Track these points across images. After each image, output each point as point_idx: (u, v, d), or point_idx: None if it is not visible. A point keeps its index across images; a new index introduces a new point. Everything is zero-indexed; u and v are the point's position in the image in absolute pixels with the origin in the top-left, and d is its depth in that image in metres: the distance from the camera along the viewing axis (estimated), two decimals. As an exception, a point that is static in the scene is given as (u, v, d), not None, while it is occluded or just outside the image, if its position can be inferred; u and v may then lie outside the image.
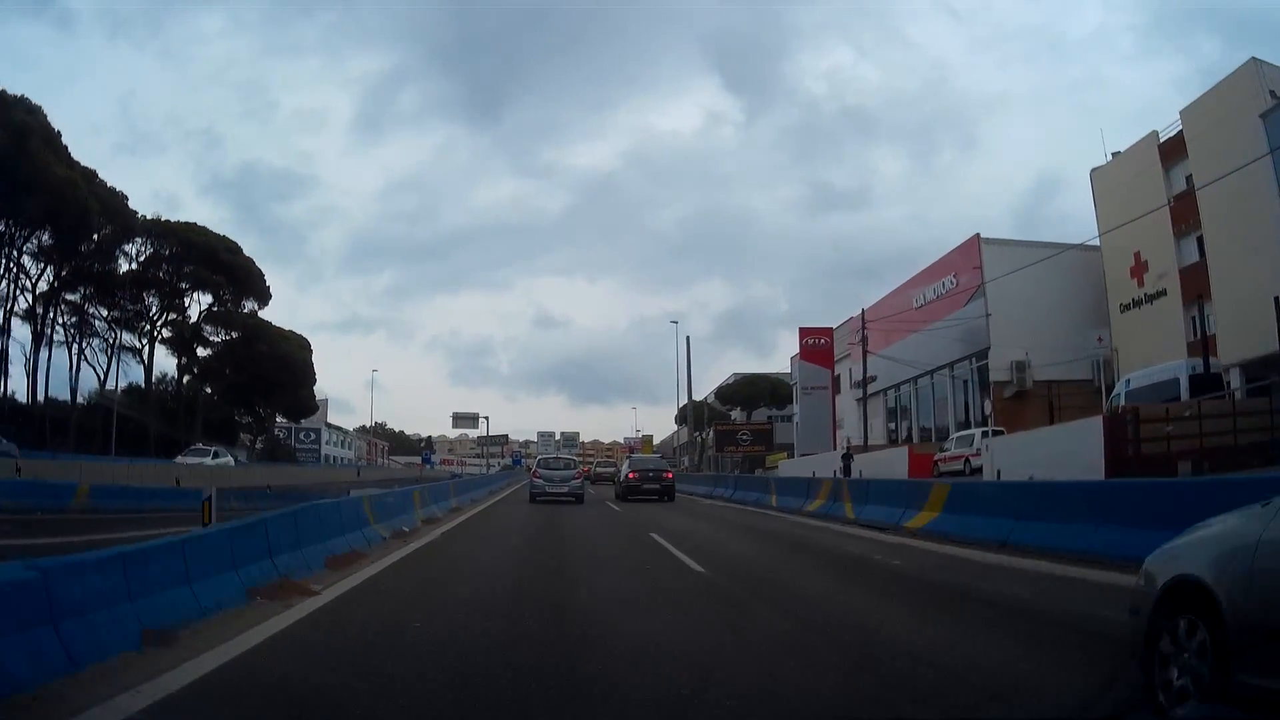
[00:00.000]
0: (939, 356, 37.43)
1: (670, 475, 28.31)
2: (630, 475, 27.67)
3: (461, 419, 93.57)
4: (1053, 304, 33.01)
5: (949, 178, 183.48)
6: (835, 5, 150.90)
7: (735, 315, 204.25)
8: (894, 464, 31.38)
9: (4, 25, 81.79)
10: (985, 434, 27.29)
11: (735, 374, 76.27)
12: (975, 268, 34.49)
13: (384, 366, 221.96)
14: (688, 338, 57.16)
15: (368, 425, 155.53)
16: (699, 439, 62.04)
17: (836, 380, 42.25)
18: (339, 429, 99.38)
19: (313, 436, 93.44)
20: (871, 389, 42.44)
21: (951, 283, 36.61)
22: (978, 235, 35.48)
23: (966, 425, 34.61)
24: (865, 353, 37.51)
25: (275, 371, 50.12)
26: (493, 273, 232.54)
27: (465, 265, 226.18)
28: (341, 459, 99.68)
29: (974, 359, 35.88)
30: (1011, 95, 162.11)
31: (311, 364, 53.35)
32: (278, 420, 77.82)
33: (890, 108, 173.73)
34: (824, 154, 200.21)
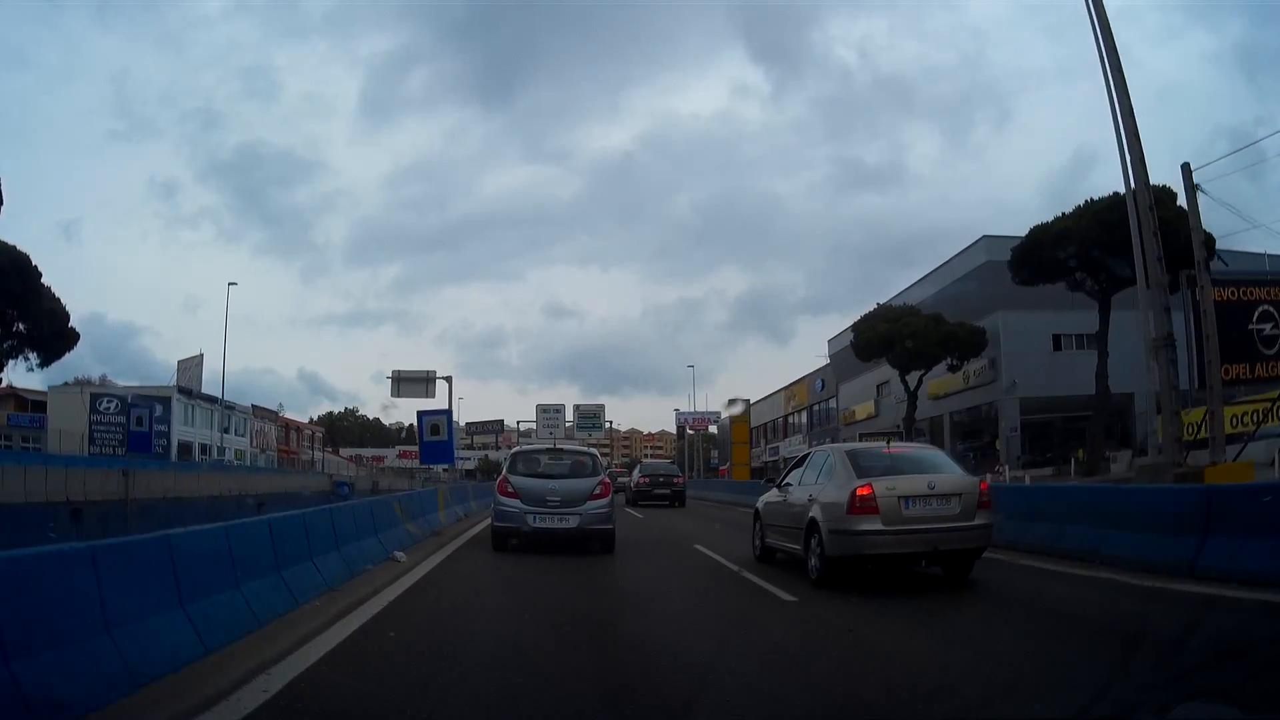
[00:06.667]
0: None
1: (681, 480, 29.60)
2: (641, 480, 28.81)
3: (408, 381, 54.04)
4: None
5: (982, 156, 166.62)
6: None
7: (754, 302, 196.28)
8: None
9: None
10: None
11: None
12: None
13: (393, 360, 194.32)
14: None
15: (334, 411, 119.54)
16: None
17: None
18: (216, 402, 61.02)
19: (159, 410, 55.33)
20: None
21: None
22: None
23: None
24: None
25: None
26: (504, 263, 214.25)
27: (475, 255, 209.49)
28: (219, 449, 62.06)
29: None
30: (1044, 70, 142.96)
31: None
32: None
33: (926, 79, 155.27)
34: (854, 130, 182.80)
